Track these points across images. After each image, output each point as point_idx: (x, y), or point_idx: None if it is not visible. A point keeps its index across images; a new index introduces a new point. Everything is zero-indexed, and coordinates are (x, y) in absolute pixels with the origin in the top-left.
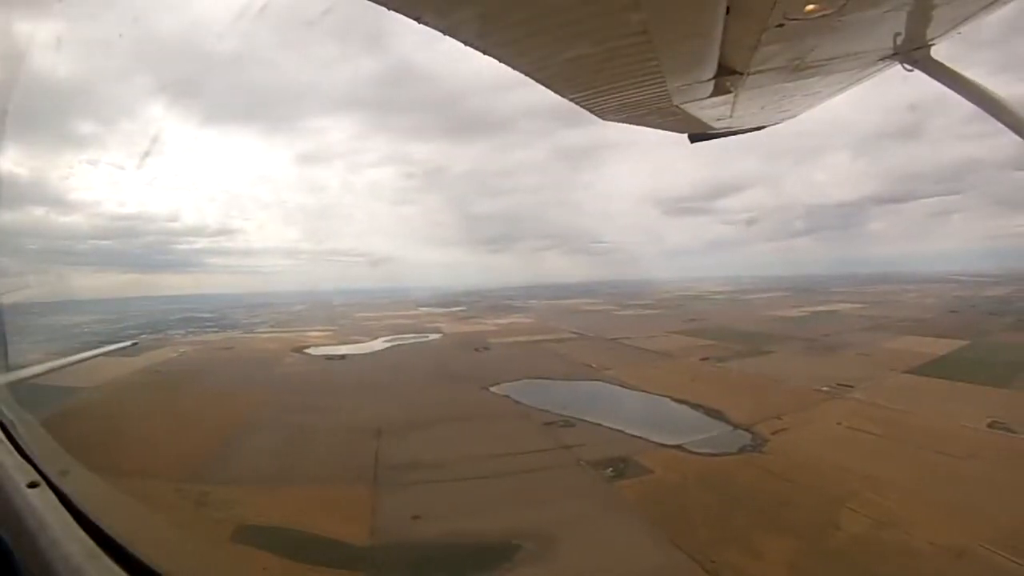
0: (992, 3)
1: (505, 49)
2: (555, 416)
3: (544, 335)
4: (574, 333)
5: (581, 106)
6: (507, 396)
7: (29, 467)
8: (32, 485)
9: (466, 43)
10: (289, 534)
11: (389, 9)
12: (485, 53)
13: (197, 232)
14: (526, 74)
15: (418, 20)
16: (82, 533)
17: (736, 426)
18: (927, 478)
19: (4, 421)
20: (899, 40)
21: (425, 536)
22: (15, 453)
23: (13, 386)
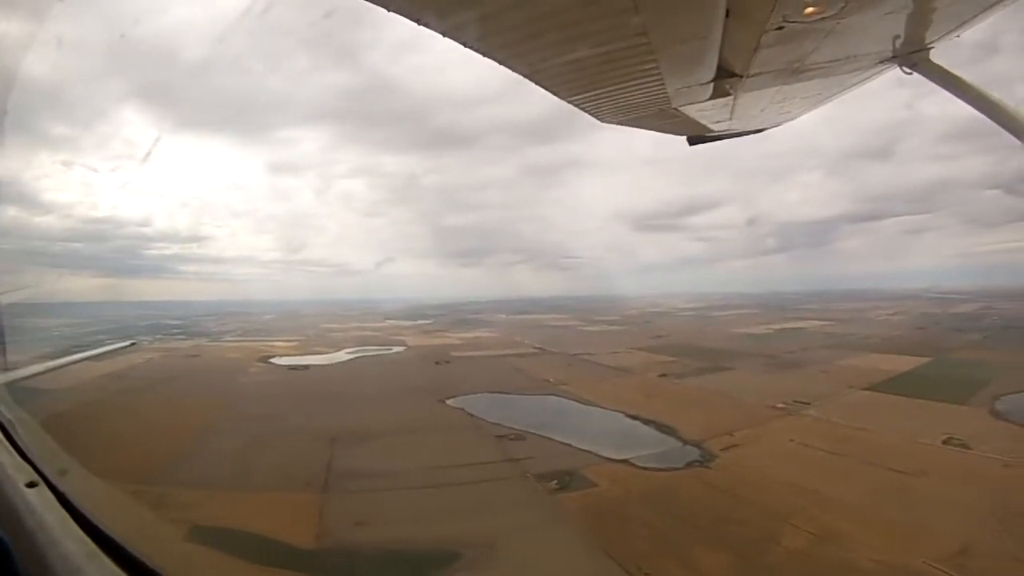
0: (990, 6)
1: (505, 51)
2: (507, 430)
3: (506, 350)
4: (536, 348)
5: (580, 108)
6: (462, 409)
7: (28, 467)
8: (31, 484)
9: (466, 45)
10: (239, 535)
11: (390, 11)
12: (485, 55)
13: (169, 238)
14: (525, 76)
15: (418, 22)
16: (80, 532)
17: (686, 442)
18: (875, 495)
19: (3, 420)
20: (898, 43)
21: (367, 541)
22: (14, 453)
23: (11, 386)
